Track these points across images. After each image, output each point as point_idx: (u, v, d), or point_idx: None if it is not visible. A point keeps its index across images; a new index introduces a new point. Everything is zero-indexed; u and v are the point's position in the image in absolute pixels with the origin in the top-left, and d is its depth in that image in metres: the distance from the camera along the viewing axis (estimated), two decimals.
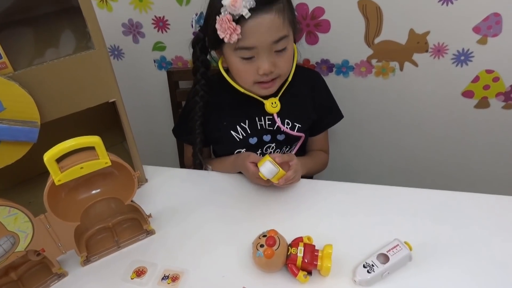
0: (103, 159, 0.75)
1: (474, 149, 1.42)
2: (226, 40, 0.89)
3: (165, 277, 0.83)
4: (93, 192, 0.83)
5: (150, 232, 0.92)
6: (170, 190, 1.06)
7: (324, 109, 1.15)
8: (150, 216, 0.90)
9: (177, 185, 1.08)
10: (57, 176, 0.72)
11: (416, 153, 1.48)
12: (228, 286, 0.80)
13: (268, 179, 0.92)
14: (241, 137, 1.07)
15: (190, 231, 0.93)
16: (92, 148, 0.74)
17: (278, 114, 1.03)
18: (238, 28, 0.86)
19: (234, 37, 0.87)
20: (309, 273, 0.80)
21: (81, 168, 0.74)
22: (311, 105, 1.12)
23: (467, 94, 1.28)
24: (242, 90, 1.01)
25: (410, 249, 0.80)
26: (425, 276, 0.80)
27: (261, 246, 0.79)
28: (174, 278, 0.83)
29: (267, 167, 0.88)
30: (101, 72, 0.85)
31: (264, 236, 0.81)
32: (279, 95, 1.02)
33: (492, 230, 0.89)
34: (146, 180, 1.07)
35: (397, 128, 1.42)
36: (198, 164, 1.13)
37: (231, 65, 0.98)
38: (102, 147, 0.74)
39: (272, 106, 1.01)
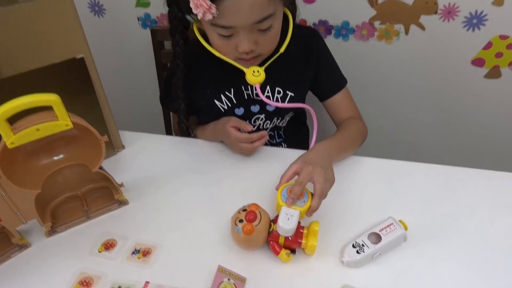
0: (63, 121, 0.67)
1: (482, 122, 1.33)
2: (199, 16, 0.76)
3: (135, 252, 0.76)
4: (56, 158, 0.75)
5: (122, 203, 0.85)
6: (149, 158, 0.98)
7: (325, 74, 1.01)
8: (121, 185, 0.83)
9: (157, 152, 0.99)
10: (9, 138, 0.64)
11: (418, 125, 1.39)
12: (203, 263, 0.73)
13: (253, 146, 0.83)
14: (226, 107, 0.98)
15: (167, 203, 0.86)
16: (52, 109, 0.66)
17: (267, 81, 0.91)
18: (213, 7, 0.73)
19: (208, 16, 0.75)
20: (293, 251, 0.73)
21: (38, 130, 0.65)
22: (307, 70, 0.99)
23: (477, 62, 1.18)
24: (222, 57, 0.87)
25: (405, 228, 0.73)
26: (421, 259, 0.73)
27: (240, 221, 0.71)
28: (145, 253, 0.76)
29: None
30: (66, 23, 0.76)
31: (244, 210, 0.73)
32: (265, 65, 0.87)
33: (496, 210, 0.82)
34: (123, 147, 0.99)
35: (399, 97, 1.33)
36: (185, 132, 1.05)
37: (208, 36, 0.86)
38: (61, 107, 0.65)
39: (254, 75, 0.85)
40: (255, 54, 0.84)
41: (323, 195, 0.72)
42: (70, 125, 0.68)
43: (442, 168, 0.91)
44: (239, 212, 0.74)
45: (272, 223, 0.73)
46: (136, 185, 0.89)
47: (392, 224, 0.73)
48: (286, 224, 0.68)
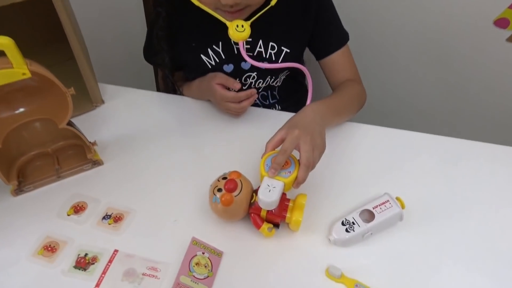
0: (19, 69, 0.59)
1: (499, 91, 1.22)
2: None
3: (106, 217, 0.70)
4: (16, 111, 0.67)
5: (96, 163, 0.78)
6: (130, 115, 0.90)
7: (324, 29, 0.89)
8: (94, 143, 0.75)
9: (139, 109, 0.91)
10: None
11: (426, 90, 1.28)
12: (176, 233, 0.67)
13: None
14: (213, 63, 0.88)
15: (145, 165, 0.79)
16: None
17: (259, 35, 0.81)
18: None
19: None
20: (276, 226, 0.66)
21: None
22: (305, 23, 0.87)
23: (501, 22, 1.06)
24: (202, 7, 0.76)
25: (402, 206, 0.65)
26: (416, 241, 0.66)
27: (219, 190, 0.64)
28: (117, 219, 0.70)
29: (264, 194, 0.61)
30: None
31: (224, 178, 0.66)
32: (252, 19, 0.75)
33: (502, 187, 0.74)
34: (103, 101, 0.91)
35: (407, 58, 1.21)
36: (171, 88, 0.96)
37: None
38: (14, 52, 0.57)
39: (238, 30, 0.73)
40: (241, 6, 0.73)
41: (310, 165, 0.63)
42: (28, 74, 0.59)
43: (447, 141, 0.83)
44: (218, 180, 0.66)
45: (254, 194, 0.66)
46: (113, 144, 0.82)
47: (387, 201, 0.66)
48: (266, 196, 0.61)
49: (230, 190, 0.64)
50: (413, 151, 0.81)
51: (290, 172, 0.63)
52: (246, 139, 0.83)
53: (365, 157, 0.80)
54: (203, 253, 0.63)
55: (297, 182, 0.63)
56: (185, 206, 0.71)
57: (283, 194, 0.66)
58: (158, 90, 1.26)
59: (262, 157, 0.66)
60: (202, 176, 0.72)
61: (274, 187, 0.61)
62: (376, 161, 0.79)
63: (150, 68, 1.24)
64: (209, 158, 0.80)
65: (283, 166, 0.63)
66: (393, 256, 0.64)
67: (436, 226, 0.68)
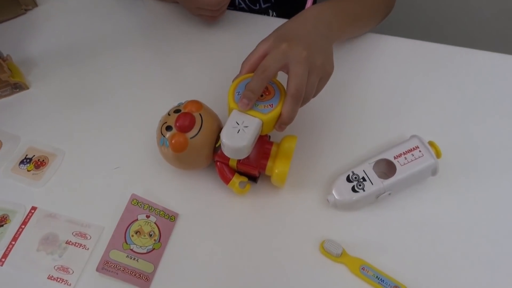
0: None
1: None
2: None
3: (25, 161, 0.51)
4: None
5: (18, 87, 0.58)
6: (70, 22, 0.66)
7: None
8: (6, 58, 0.55)
9: (85, 14, 0.67)
10: None
11: None
12: (117, 186, 0.48)
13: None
14: None
15: (83, 90, 0.58)
16: None
17: None
18: None
19: None
20: (252, 179, 0.47)
21: None
22: None
23: None
24: None
25: (438, 155, 0.45)
26: (453, 205, 0.46)
27: (168, 128, 0.44)
28: (39, 164, 0.51)
29: (229, 135, 0.40)
30: None
31: (177, 111, 0.46)
32: None
33: None
34: (35, 3, 0.68)
35: None
36: None
37: None
38: None
39: None
40: None
41: (301, 97, 0.41)
42: None
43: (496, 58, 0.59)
44: (168, 114, 0.46)
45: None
46: (45, 62, 0.61)
47: (416, 147, 0.45)
48: (233, 140, 0.40)
49: (183, 129, 0.43)
50: (451, 74, 0.58)
51: (271, 105, 0.42)
52: (224, 55, 0.60)
53: (385, 84, 0.57)
54: (148, 217, 0.45)
55: (281, 121, 0.42)
56: (131, 150, 0.52)
57: (262, 137, 0.46)
58: None
59: (232, 82, 0.44)
60: (158, 107, 0.50)
61: (245, 127, 0.40)
62: (401, 91, 0.56)
63: None
64: (170, 81, 0.59)
65: (261, 96, 0.42)
66: (418, 227, 0.45)
67: (484, 184, 0.47)
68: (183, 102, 0.47)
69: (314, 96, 0.44)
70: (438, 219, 0.45)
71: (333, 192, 0.44)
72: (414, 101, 0.54)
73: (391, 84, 0.56)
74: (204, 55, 0.61)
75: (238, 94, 0.42)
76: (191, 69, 0.59)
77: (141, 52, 0.62)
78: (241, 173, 0.46)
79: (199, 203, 0.47)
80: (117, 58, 0.61)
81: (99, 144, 0.53)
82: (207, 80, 0.58)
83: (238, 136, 0.40)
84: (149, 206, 0.45)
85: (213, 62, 0.60)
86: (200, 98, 0.47)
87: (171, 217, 0.45)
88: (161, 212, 0.45)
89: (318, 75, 0.43)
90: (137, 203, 0.45)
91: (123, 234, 0.43)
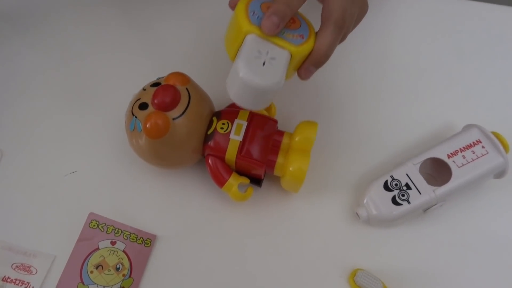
0: None
1: None
2: None
3: None
4: None
5: None
6: None
7: None
8: None
9: None
10: None
11: None
12: (72, 199, 0.35)
13: None
14: None
15: (25, 66, 0.43)
16: None
17: None
18: None
19: None
20: (255, 181, 0.35)
21: None
22: None
23: None
24: None
25: (507, 149, 0.34)
26: None
27: (142, 106, 0.31)
28: None
29: (251, 65, 0.27)
30: None
31: (156, 85, 0.32)
32: None
33: None
34: None
35: None
36: None
37: None
38: None
39: None
40: None
41: (344, 26, 0.29)
42: None
43: None
44: (144, 89, 0.33)
45: (214, 119, 0.34)
46: None
47: (479, 142, 0.33)
48: (257, 74, 0.27)
49: (164, 106, 0.31)
50: None
51: (302, 36, 0.29)
52: (216, 14, 0.46)
53: (422, 57, 0.44)
54: (113, 243, 0.32)
55: (316, 58, 0.29)
56: (91, 147, 0.38)
57: (272, 120, 0.33)
58: None
59: None
60: (129, 86, 0.36)
61: (272, 59, 0.27)
62: (446, 65, 0.43)
63: None
64: (146, 51, 0.44)
65: (287, 23, 0.29)
66: (482, 247, 0.34)
67: None
68: (163, 76, 0.34)
69: (351, 30, 0.32)
70: (510, 236, 0.35)
71: (366, 204, 0.33)
72: (463, 78, 0.42)
73: (431, 58, 0.44)
74: (190, 16, 0.46)
75: (254, 14, 0.28)
76: (172, 35, 0.45)
77: (105, 12, 0.46)
78: (241, 172, 0.34)
79: (184, 218, 0.35)
80: (71, 20, 0.45)
81: (46, 141, 0.39)
82: (192, 49, 0.43)
83: (265, 69, 0.27)
84: (115, 229, 0.33)
85: (206, 19, 0.45)
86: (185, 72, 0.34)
87: (146, 241, 0.33)
88: (132, 235, 0.33)
89: (358, 5, 0.31)
90: (98, 225, 0.32)
91: (78, 270, 0.31)
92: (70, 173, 0.37)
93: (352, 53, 0.42)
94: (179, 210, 0.35)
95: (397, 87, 0.41)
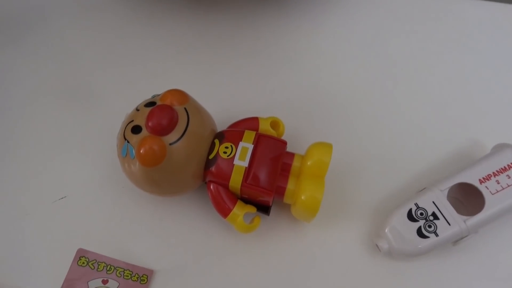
0: None
1: None
2: None
3: None
4: None
5: None
6: None
7: None
8: None
9: None
10: None
11: None
12: (53, 231, 0.32)
13: None
14: None
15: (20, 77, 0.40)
16: None
17: None
18: None
19: None
20: (263, 209, 0.31)
21: None
22: None
23: None
24: None
25: None
26: None
27: (135, 129, 0.28)
28: None
29: None
30: None
31: (151, 105, 0.29)
32: None
33: None
34: None
35: None
36: None
37: None
38: None
39: None
40: None
41: None
42: None
43: None
44: (137, 110, 0.30)
45: (216, 141, 0.30)
46: None
47: None
48: None
49: (159, 130, 0.27)
50: None
51: None
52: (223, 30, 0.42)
53: (447, 68, 0.40)
54: (105, 282, 0.29)
55: None
56: (85, 168, 0.35)
57: (280, 141, 0.30)
58: None
59: None
60: (123, 105, 0.34)
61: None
62: (470, 77, 0.40)
63: None
64: (141, 68, 0.41)
65: None
66: None
67: None
68: (159, 93, 0.30)
69: None
70: None
71: (388, 235, 0.29)
72: (491, 92, 0.38)
73: (455, 69, 0.40)
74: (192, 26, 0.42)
75: None
76: (168, 51, 0.41)
77: (86, 22, 0.43)
78: (247, 200, 0.31)
79: (184, 250, 0.31)
80: (51, 27, 0.42)
81: (35, 159, 0.35)
82: (192, 70, 0.40)
83: None
84: (107, 265, 0.29)
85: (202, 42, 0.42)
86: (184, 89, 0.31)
87: (142, 278, 0.29)
88: (126, 271, 0.29)
89: None
90: (88, 263, 0.29)
91: None
92: (59, 199, 0.33)
93: (368, 63, 0.39)
94: (178, 241, 0.32)
95: (419, 101, 0.37)
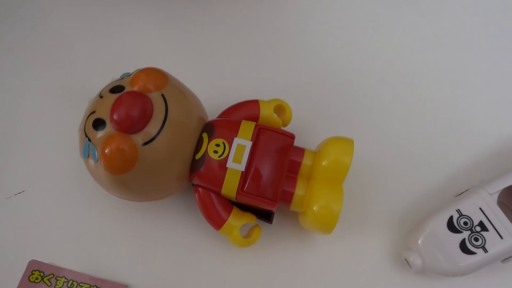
0: None
1: None
2: None
3: None
4: None
5: None
6: None
7: None
8: None
9: None
10: None
11: None
12: (16, 232, 0.26)
13: None
14: None
15: None
16: None
17: None
18: None
19: None
20: (264, 215, 0.25)
21: None
22: None
23: None
24: None
25: None
26: None
27: (98, 124, 0.21)
28: None
29: None
30: None
31: (118, 90, 0.22)
32: None
33: None
34: None
35: None
36: None
37: None
38: None
39: None
40: None
41: None
42: None
43: None
44: (100, 97, 0.23)
45: (205, 136, 0.24)
46: None
47: None
48: None
49: (127, 127, 0.21)
50: None
51: None
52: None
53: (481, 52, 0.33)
54: None
55: None
56: (49, 162, 0.29)
57: (286, 136, 0.24)
58: None
59: None
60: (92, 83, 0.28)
61: None
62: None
63: None
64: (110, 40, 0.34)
65: None
66: None
67: None
68: (130, 72, 0.23)
69: None
70: None
71: (421, 248, 0.23)
72: None
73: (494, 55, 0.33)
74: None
75: None
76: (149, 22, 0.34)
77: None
78: (243, 207, 0.25)
79: (166, 263, 0.26)
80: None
81: None
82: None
83: None
84: (68, 281, 0.23)
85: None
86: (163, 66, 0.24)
87: None
88: None
89: None
90: (42, 278, 0.23)
91: None
92: (15, 194, 0.27)
93: (397, 39, 0.31)
94: (158, 252, 0.26)
95: (453, 87, 0.30)
